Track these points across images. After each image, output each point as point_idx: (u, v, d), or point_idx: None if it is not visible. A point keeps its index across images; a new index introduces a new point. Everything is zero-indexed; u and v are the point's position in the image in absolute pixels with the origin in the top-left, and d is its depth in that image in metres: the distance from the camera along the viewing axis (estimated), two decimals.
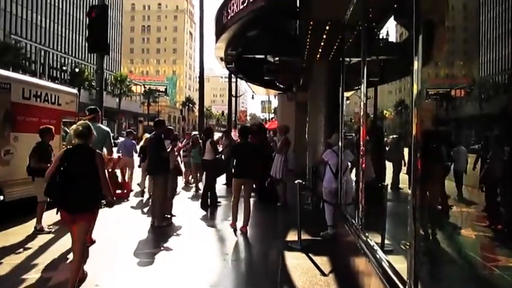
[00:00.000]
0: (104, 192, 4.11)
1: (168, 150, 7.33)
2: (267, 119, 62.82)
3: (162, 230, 6.94)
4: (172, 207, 7.97)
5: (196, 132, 12.82)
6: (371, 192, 5.31)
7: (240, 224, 7.05)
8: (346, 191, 6.33)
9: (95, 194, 4.09)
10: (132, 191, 10.72)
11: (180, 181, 10.83)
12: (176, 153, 8.33)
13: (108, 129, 6.61)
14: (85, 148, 4.17)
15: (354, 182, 6.26)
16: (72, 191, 3.96)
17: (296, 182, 6.33)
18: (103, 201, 4.20)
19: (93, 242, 5.94)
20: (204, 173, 9.81)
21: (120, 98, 62.20)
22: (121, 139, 13.44)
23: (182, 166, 9.43)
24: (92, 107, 6.77)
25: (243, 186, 7.06)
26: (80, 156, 4.08)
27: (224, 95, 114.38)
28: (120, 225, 7.17)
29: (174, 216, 7.95)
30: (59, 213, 4.06)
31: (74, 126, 4.28)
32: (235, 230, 6.97)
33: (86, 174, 4.01)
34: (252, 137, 7.47)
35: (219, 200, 9.24)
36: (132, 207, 9.18)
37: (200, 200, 9.16)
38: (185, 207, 8.40)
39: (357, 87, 7.50)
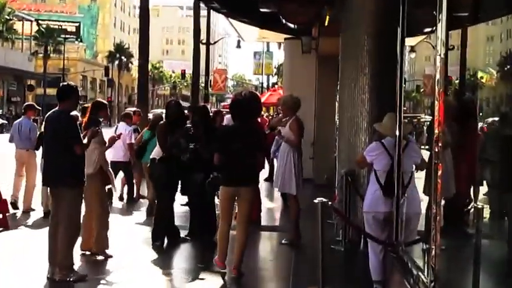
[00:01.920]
0: None
1: (85, 141, 7.33)
2: (264, 85, 63.07)
3: None
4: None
5: (135, 109, 12.84)
6: (453, 220, 5.33)
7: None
8: (408, 218, 6.35)
9: None
10: (9, 212, 10.67)
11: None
12: (107, 145, 8.45)
13: None
14: None
15: (422, 203, 6.29)
16: None
17: (316, 200, 6.32)
18: None
19: None
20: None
21: None
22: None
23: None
24: None
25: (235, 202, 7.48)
26: None
27: (186, 41, 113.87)
28: None
29: (110, 256, 8.07)
30: None
31: None
32: (223, 275, 7.23)
33: None
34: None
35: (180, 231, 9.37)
36: (20, 238, 9.18)
37: (152, 228, 9.22)
38: (123, 241, 8.45)
39: (429, 30, 7.49)
